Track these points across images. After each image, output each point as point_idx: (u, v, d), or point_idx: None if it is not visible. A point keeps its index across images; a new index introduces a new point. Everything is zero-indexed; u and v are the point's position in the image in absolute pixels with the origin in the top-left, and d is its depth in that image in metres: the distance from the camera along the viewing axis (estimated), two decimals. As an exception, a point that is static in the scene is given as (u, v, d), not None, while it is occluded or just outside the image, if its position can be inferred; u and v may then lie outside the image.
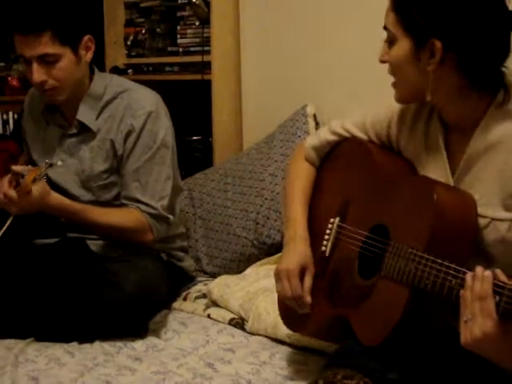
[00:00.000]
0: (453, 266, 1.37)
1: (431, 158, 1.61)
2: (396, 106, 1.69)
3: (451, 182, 1.56)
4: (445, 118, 1.59)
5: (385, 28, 1.55)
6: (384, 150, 1.74)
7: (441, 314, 1.46)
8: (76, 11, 2.29)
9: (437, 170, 1.59)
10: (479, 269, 1.31)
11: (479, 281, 1.29)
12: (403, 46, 1.51)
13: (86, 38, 2.30)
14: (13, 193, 2.14)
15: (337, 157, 1.86)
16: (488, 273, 1.29)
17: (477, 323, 1.27)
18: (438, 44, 1.46)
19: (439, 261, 1.40)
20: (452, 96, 1.52)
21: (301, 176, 1.90)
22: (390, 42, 1.54)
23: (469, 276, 1.32)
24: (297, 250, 1.79)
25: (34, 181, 2.13)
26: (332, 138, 1.85)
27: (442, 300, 1.38)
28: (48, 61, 2.23)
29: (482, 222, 1.49)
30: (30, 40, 2.20)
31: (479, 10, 1.45)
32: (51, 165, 2.22)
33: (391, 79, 1.59)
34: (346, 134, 1.82)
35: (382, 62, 1.57)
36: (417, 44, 1.49)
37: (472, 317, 1.28)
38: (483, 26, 1.45)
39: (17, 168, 2.20)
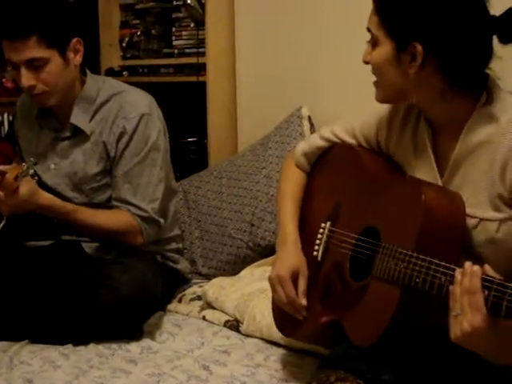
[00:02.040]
0: (442, 263, 1.38)
1: (420, 160, 1.62)
2: (384, 111, 1.70)
3: (440, 184, 1.56)
4: (430, 119, 1.60)
5: (368, 30, 1.56)
6: (373, 154, 1.75)
7: (433, 313, 1.46)
8: (62, 14, 2.28)
9: (425, 172, 1.60)
10: (468, 264, 1.32)
11: (468, 276, 1.30)
12: (385, 48, 1.52)
13: (74, 40, 2.29)
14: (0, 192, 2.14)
15: (327, 162, 1.87)
16: (477, 267, 1.30)
17: (466, 317, 1.28)
18: (419, 47, 1.47)
19: (428, 258, 1.41)
20: (435, 98, 1.52)
21: (291, 182, 1.91)
22: (373, 43, 1.55)
23: (458, 272, 1.33)
24: (288, 254, 1.80)
25: (17, 178, 2.13)
26: (322, 143, 1.86)
27: (433, 297, 1.39)
28: (36, 65, 2.22)
29: (471, 222, 1.50)
30: (17, 45, 2.19)
31: (460, 14, 1.46)
32: (36, 163, 2.22)
33: (373, 78, 1.60)
34: (336, 140, 1.83)
35: (365, 62, 1.58)
36: (398, 47, 1.50)
37: (461, 311, 1.29)
38: (464, 30, 1.46)
39: (1, 168, 2.19)
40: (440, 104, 1.53)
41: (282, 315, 1.84)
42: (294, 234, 1.83)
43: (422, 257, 1.42)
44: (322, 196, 1.86)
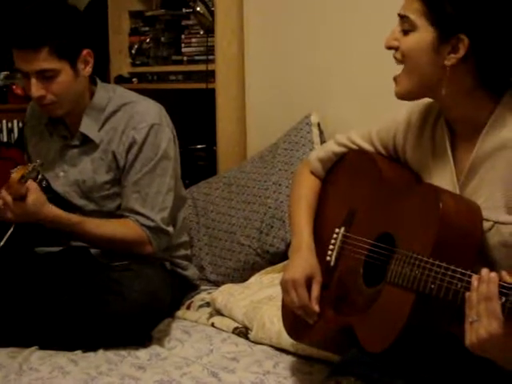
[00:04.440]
0: (459, 269, 1.37)
1: (438, 163, 1.61)
2: (401, 114, 1.69)
3: (457, 187, 1.56)
4: (450, 120, 1.58)
5: (402, 16, 1.51)
6: (389, 161, 1.74)
7: (446, 320, 1.46)
8: (74, 26, 2.28)
9: (443, 175, 1.59)
10: (485, 270, 1.32)
11: (485, 282, 1.30)
12: (424, 36, 1.48)
13: (85, 52, 2.29)
14: (7, 197, 2.15)
15: (342, 168, 1.86)
16: (494, 274, 1.30)
17: (482, 324, 1.28)
18: (466, 40, 1.45)
19: (444, 265, 1.40)
20: (461, 95, 1.51)
21: (305, 188, 1.89)
22: (408, 30, 1.51)
23: (474, 278, 1.33)
24: (303, 259, 1.78)
25: (23, 178, 2.13)
26: (338, 149, 1.85)
27: (447, 304, 1.39)
28: (46, 76, 2.22)
29: (485, 225, 1.49)
30: (28, 55, 2.20)
31: None
32: (42, 164, 2.23)
33: (393, 73, 1.56)
34: (352, 146, 1.81)
35: (389, 47, 1.54)
36: (441, 36, 1.47)
37: (478, 318, 1.29)
38: None
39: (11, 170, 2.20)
40: (464, 102, 1.51)
41: (293, 319, 1.83)
42: (309, 240, 1.82)
43: (437, 263, 1.41)
44: (336, 202, 1.85)
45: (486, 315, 1.28)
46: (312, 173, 1.91)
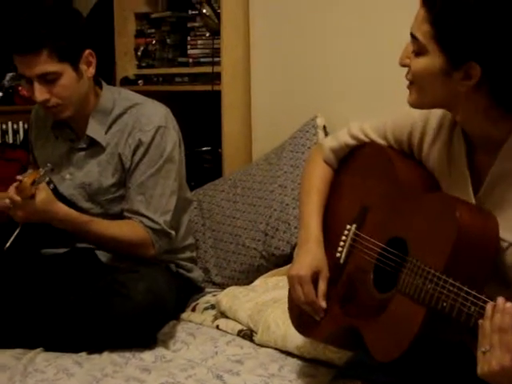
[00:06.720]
0: (473, 292, 1.34)
1: (454, 172, 1.57)
2: (418, 115, 1.64)
3: (473, 200, 1.52)
4: (468, 133, 1.54)
5: (413, 36, 1.45)
6: (406, 158, 1.70)
7: (456, 333, 1.44)
8: (73, 28, 2.28)
9: (458, 187, 1.55)
10: (501, 300, 1.29)
11: (500, 313, 1.27)
12: (434, 61, 1.42)
13: (87, 52, 2.29)
14: (17, 197, 2.15)
15: (356, 161, 1.82)
16: (509, 305, 1.27)
17: (495, 356, 1.26)
18: (477, 69, 1.39)
19: (458, 285, 1.37)
20: (477, 114, 1.46)
21: (317, 177, 1.86)
22: (419, 51, 1.45)
23: (489, 306, 1.30)
24: (310, 253, 1.76)
25: (34, 183, 2.14)
26: (351, 141, 1.81)
27: (460, 324, 1.36)
28: (48, 79, 2.22)
29: (501, 245, 1.45)
30: (28, 60, 2.20)
31: None
32: (53, 169, 2.23)
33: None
34: (365, 139, 1.78)
35: (403, 65, 1.50)
36: (452, 64, 1.41)
37: (490, 348, 1.27)
38: None
39: (19, 177, 2.21)
40: (480, 120, 1.46)
41: (299, 314, 1.82)
42: (317, 233, 1.79)
43: (451, 281, 1.38)
44: (348, 195, 1.81)
45: (499, 347, 1.26)
46: (325, 162, 1.88)
